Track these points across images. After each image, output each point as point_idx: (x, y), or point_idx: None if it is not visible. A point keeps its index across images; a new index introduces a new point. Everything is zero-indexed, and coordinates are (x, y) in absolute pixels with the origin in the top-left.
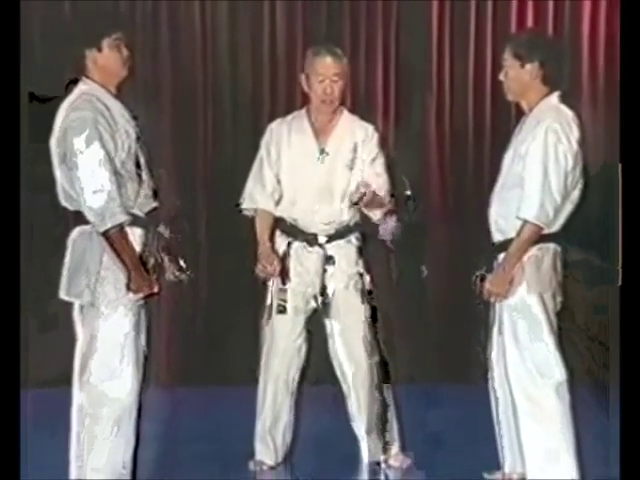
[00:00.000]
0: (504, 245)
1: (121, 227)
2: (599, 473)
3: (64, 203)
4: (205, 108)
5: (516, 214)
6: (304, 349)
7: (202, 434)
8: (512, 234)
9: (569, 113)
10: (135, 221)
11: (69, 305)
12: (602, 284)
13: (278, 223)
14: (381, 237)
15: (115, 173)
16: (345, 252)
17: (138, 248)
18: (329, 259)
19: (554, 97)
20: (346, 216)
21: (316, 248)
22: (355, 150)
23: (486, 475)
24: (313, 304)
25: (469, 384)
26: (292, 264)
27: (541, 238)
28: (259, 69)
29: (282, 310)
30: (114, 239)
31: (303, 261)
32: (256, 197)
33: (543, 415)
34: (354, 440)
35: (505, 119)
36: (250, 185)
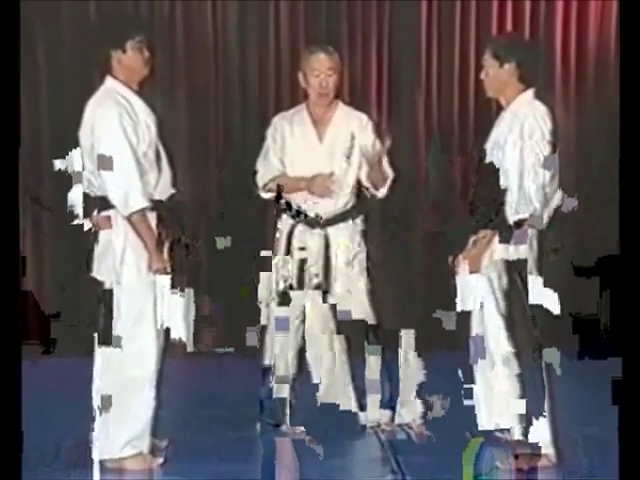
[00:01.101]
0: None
1: (143, 212)
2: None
3: (87, 190)
4: (216, 103)
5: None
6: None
7: (214, 398)
8: (492, 216)
9: (543, 107)
10: (156, 206)
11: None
12: None
13: (284, 207)
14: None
15: (137, 162)
16: (348, 233)
17: (158, 231)
18: (329, 240)
19: (529, 93)
20: (344, 200)
21: (317, 229)
22: (352, 139)
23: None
24: (316, 280)
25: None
26: (296, 244)
27: (518, 221)
28: (265, 67)
29: (289, 287)
30: (136, 223)
31: (306, 241)
32: (266, 178)
33: (518, 377)
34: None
35: (487, 113)
36: (260, 171)
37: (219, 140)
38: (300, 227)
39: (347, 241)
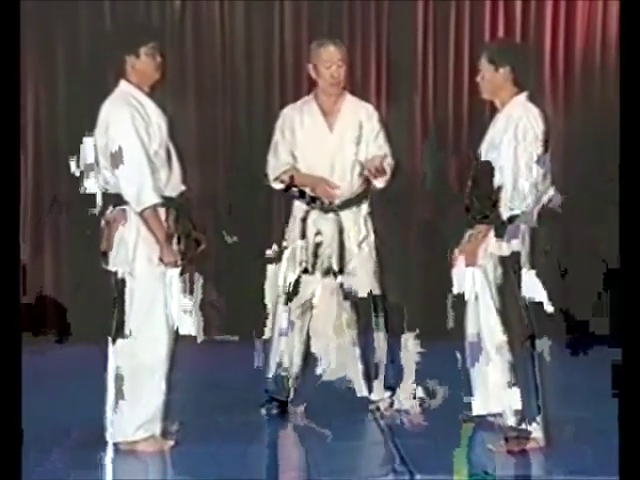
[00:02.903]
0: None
1: (154, 208)
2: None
3: (105, 187)
4: (224, 103)
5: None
6: (315, 301)
7: (222, 383)
8: (487, 212)
9: (535, 109)
10: (167, 202)
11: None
12: None
13: (298, 193)
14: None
15: (149, 161)
16: (356, 217)
17: (169, 226)
18: (342, 224)
19: (523, 96)
20: (355, 186)
21: (331, 215)
22: (360, 127)
23: (462, 416)
24: (327, 264)
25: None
26: (310, 229)
27: (512, 217)
28: (270, 69)
29: (305, 270)
30: (148, 218)
31: (320, 226)
32: (277, 172)
33: (510, 365)
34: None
35: (480, 111)
36: (271, 164)
37: (227, 139)
38: (314, 213)
39: (358, 225)
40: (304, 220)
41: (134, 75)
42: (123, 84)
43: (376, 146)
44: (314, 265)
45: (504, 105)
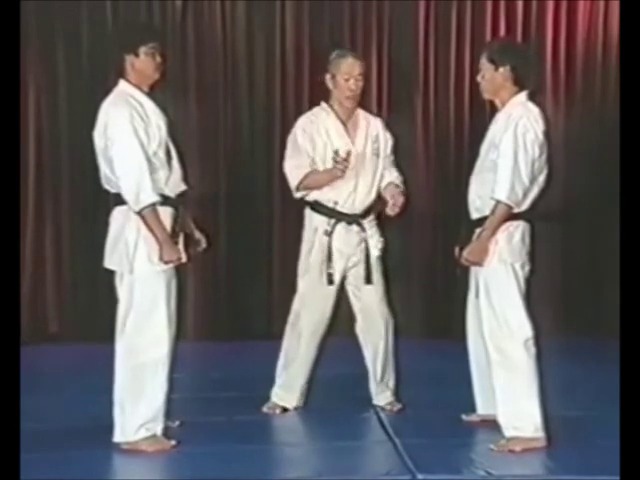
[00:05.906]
0: (481, 221)
1: (153, 207)
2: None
3: (106, 186)
4: (225, 104)
5: (490, 195)
6: (333, 310)
7: (224, 382)
8: (487, 212)
9: (535, 109)
10: (166, 202)
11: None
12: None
13: (317, 206)
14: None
15: (148, 160)
16: (373, 225)
17: (169, 225)
18: (366, 233)
19: (523, 96)
20: (374, 197)
21: (354, 225)
22: (377, 140)
23: (464, 416)
24: (346, 273)
25: (448, 340)
26: (336, 242)
27: (512, 216)
28: (271, 69)
29: (331, 281)
30: (147, 217)
31: (346, 238)
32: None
33: (512, 365)
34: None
35: (481, 114)
36: (292, 175)
37: (227, 138)
38: (340, 225)
39: (377, 232)
40: (330, 234)
41: (133, 75)
42: (122, 84)
43: (389, 162)
44: (331, 276)
45: (504, 105)
